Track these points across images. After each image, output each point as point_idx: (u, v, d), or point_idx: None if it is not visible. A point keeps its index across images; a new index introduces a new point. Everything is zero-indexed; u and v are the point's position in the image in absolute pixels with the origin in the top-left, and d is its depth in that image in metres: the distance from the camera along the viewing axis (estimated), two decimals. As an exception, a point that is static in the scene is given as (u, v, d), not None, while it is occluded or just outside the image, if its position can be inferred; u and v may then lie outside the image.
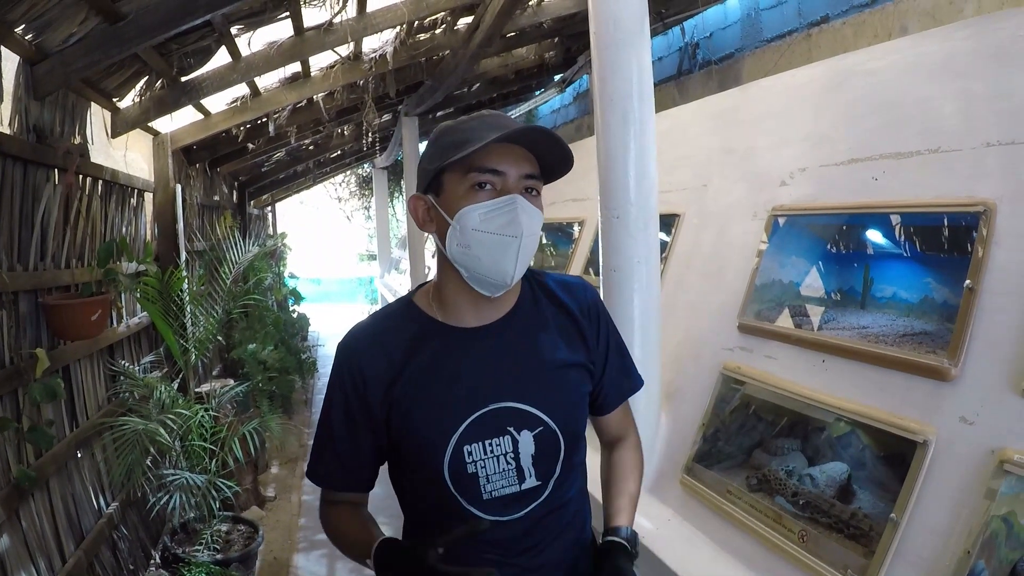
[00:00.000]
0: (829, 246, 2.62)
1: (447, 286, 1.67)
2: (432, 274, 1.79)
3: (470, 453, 1.61)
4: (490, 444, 1.62)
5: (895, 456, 2.07)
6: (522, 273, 1.60)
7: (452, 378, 1.63)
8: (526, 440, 1.64)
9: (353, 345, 1.70)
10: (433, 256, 1.74)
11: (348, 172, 17.24)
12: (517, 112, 9.30)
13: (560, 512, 1.73)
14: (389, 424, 1.64)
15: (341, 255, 23.26)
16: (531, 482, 1.66)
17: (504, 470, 1.63)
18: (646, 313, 2.78)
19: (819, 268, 2.64)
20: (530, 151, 1.58)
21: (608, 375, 1.85)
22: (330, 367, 1.74)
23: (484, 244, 1.53)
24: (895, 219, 2.39)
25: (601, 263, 2.83)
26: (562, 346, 1.74)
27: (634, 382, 1.95)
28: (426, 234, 1.72)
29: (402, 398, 1.62)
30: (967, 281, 2.06)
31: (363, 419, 1.66)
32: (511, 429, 1.63)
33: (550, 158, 1.59)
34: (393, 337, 1.67)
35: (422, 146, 13.01)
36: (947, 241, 2.20)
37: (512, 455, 1.63)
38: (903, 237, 2.35)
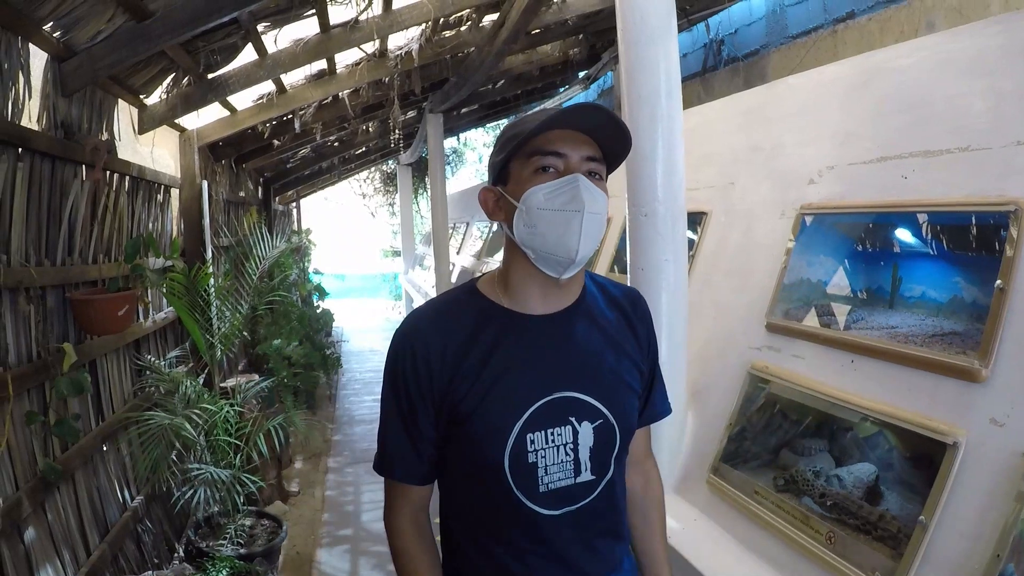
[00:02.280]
0: (857, 245, 2.60)
1: (515, 272, 1.68)
2: (486, 267, 1.79)
3: (532, 441, 1.60)
4: (551, 433, 1.62)
5: (924, 458, 2.05)
6: (588, 251, 1.60)
7: (517, 364, 1.63)
8: (586, 432, 1.64)
9: (415, 330, 1.67)
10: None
11: (373, 168, 17.27)
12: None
13: (607, 513, 1.73)
14: (452, 409, 1.62)
15: (365, 251, 23.34)
16: (586, 476, 1.65)
17: (562, 461, 1.62)
18: (673, 312, 2.77)
19: (847, 267, 2.62)
20: (591, 138, 1.59)
21: (648, 391, 1.86)
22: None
23: (549, 221, 1.55)
24: (924, 218, 2.36)
25: (629, 261, 2.82)
26: (621, 343, 1.76)
27: (665, 407, 1.95)
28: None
29: (466, 382, 1.61)
30: (998, 281, 2.03)
31: (425, 404, 1.64)
32: (572, 419, 1.63)
33: (610, 141, 1.61)
34: (457, 321, 1.67)
35: (447, 143, 13.04)
36: (977, 240, 2.17)
37: (571, 446, 1.63)
38: (932, 236, 2.33)
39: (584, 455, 1.64)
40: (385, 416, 1.71)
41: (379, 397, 1.75)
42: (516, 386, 1.61)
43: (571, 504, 1.65)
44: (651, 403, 1.88)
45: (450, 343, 1.62)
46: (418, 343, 1.64)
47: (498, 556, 1.66)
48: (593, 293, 1.78)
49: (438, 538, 1.79)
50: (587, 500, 1.66)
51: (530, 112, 1.64)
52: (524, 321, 1.66)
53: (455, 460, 1.69)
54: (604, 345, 1.72)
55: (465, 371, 1.60)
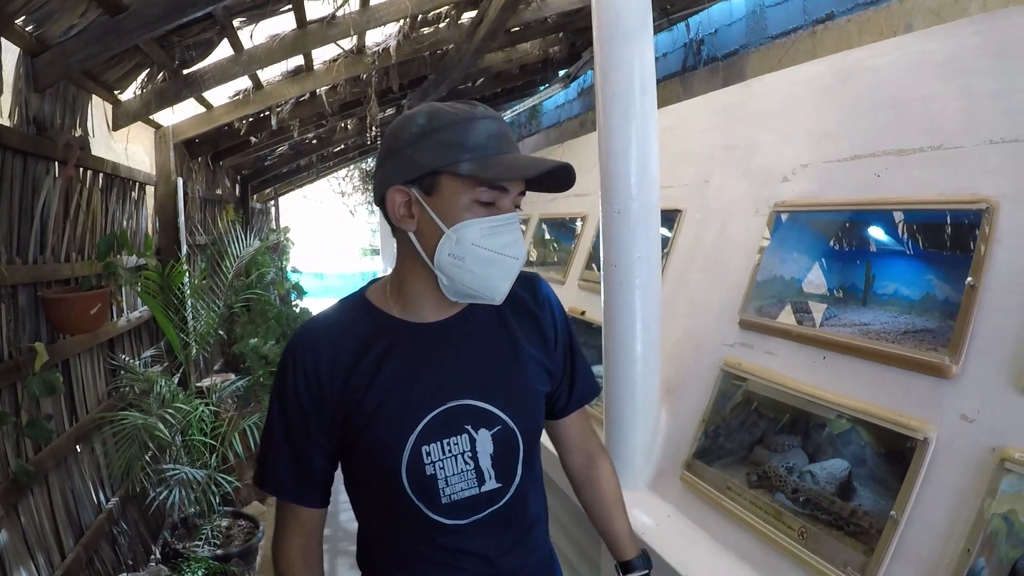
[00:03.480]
0: (831, 243, 2.61)
1: (412, 282, 1.62)
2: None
3: (428, 453, 1.57)
4: (448, 443, 1.59)
5: (895, 453, 2.06)
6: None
7: (409, 375, 1.59)
8: (484, 439, 1.61)
9: (305, 343, 1.61)
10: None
11: (351, 166, 17.22)
12: (521, 108, 9.24)
13: (521, 520, 1.72)
14: (345, 425, 1.58)
15: (344, 250, 23.31)
16: (491, 484, 1.63)
17: (463, 471, 1.60)
18: (647, 309, 2.77)
19: (821, 265, 2.63)
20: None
21: (567, 377, 1.84)
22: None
23: (482, 260, 1.49)
24: (897, 216, 2.37)
25: (602, 258, 2.83)
26: (520, 342, 1.72)
27: (593, 387, 1.93)
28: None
29: (358, 397, 1.56)
30: (969, 279, 2.04)
31: (318, 421, 1.59)
32: (469, 427, 1.60)
33: (548, 181, 1.55)
34: (347, 333, 1.62)
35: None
36: (949, 238, 2.18)
37: (470, 455, 1.60)
38: (905, 234, 2.34)
39: (485, 463, 1.62)
40: (272, 432, 1.64)
41: None
42: (408, 398, 1.58)
43: (478, 513, 1.63)
44: (576, 387, 1.86)
45: (340, 356, 1.58)
46: (308, 356, 1.59)
47: (412, 569, 1.65)
48: None
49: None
50: (495, 507, 1.65)
51: (464, 113, 1.50)
52: (415, 330, 1.63)
53: (358, 474, 1.66)
54: (502, 346, 1.70)
55: (356, 384, 1.57)
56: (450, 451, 1.59)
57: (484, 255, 1.49)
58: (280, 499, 1.68)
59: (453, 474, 1.59)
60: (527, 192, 1.57)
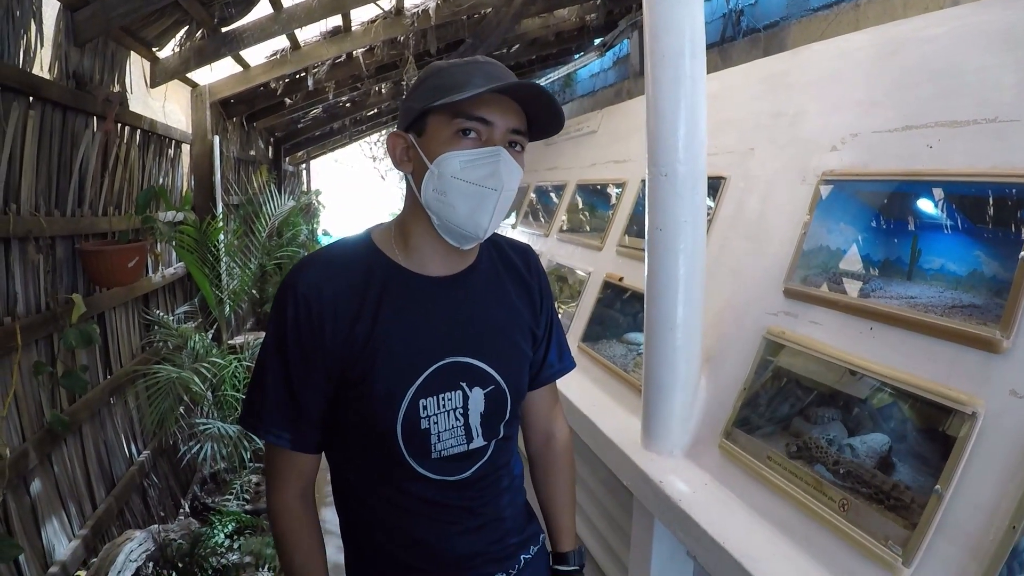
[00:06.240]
0: (879, 213, 2.56)
1: (414, 230, 1.63)
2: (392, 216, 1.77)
3: (425, 407, 1.58)
4: (442, 398, 1.60)
5: (940, 428, 2.03)
6: (496, 227, 1.58)
7: (413, 328, 1.59)
8: (477, 397, 1.64)
9: (309, 280, 1.56)
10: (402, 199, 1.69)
11: (384, 131, 17.22)
12: (556, 75, 9.18)
13: (500, 473, 1.75)
14: (343, 371, 1.56)
15: (373, 214, 23.40)
16: (478, 442, 1.66)
17: (453, 427, 1.61)
18: (690, 274, 2.73)
19: (867, 236, 2.58)
20: (521, 106, 1.55)
21: (544, 349, 1.87)
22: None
23: (462, 193, 1.50)
24: (948, 189, 2.32)
25: (647, 222, 2.79)
26: (515, 306, 1.75)
27: (567, 363, 1.96)
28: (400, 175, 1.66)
29: (358, 344, 1.54)
30: (1022, 253, 2.00)
31: (319, 362, 1.55)
32: (463, 384, 1.62)
33: (541, 116, 1.56)
34: (353, 276, 1.59)
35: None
36: (1001, 213, 2.13)
37: (461, 411, 1.62)
38: (955, 208, 2.29)
39: (475, 420, 1.64)
40: (266, 373, 1.60)
41: None
42: (409, 350, 1.57)
43: (465, 470, 1.66)
44: (549, 361, 1.89)
45: (341, 299, 1.56)
46: (311, 293, 1.54)
47: (395, 522, 1.66)
48: (491, 254, 1.76)
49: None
50: (480, 463, 1.68)
51: (460, 60, 1.58)
52: (420, 282, 1.62)
53: (346, 424, 1.63)
54: (499, 309, 1.71)
55: (357, 332, 1.55)
56: (444, 406, 1.60)
57: (464, 188, 1.50)
58: (275, 445, 1.63)
59: (444, 429, 1.61)
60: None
